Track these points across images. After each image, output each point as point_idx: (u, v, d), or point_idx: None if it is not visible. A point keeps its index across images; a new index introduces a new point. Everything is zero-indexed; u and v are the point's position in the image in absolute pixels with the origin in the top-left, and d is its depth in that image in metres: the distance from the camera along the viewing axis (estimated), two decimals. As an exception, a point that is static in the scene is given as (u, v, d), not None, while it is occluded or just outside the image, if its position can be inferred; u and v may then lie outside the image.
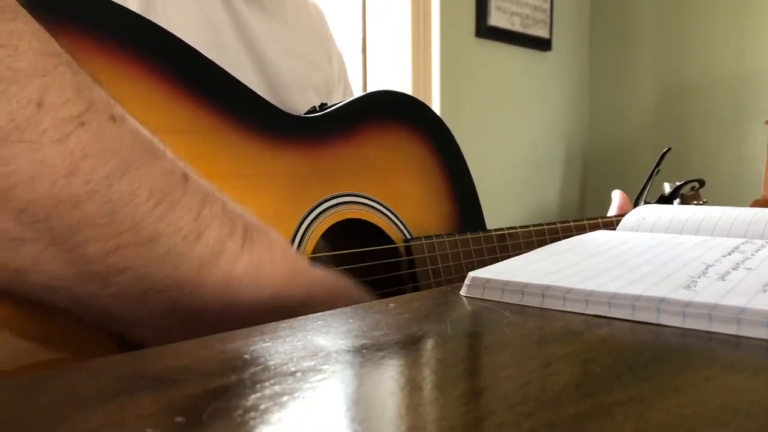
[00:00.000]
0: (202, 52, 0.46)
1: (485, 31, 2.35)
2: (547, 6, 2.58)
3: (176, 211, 0.28)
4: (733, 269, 0.31)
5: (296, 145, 0.52)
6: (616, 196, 0.83)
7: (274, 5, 0.65)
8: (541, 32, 2.57)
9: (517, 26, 2.46)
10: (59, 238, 0.25)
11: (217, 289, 0.30)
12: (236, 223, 0.31)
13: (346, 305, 0.37)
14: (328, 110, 0.56)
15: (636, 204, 0.85)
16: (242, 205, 0.47)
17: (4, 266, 0.26)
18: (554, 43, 2.66)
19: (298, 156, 0.52)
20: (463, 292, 0.31)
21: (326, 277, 0.37)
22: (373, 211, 0.57)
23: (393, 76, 2.22)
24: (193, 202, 0.29)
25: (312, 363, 0.21)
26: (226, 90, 0.47)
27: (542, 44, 2.61)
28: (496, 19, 2.36)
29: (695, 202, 0.95)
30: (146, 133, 0.28)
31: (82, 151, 0.25)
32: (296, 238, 0.50)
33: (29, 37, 0.24)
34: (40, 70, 0.24)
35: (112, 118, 0.26)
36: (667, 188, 0.91)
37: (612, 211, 0.83)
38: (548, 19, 2.60)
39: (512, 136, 2.56)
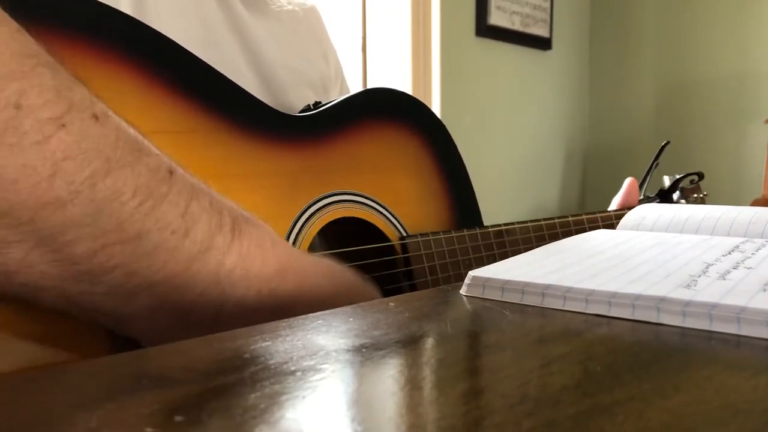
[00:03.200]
0: (197, 52, 0.46)
1: (485, 30, 2.35)
2: (547, 5, 2.58)
3: (163, 207, 0.28)
4: (734, 268, 0.31)
5: (290, 144, 0.52)
6: (626, 184, 0.83)
7: (270, 4, 0.64)
8: (541, 31, 2.57)
9: (517, 25, 2.45)
10: (45, 239, 0.25)
11: (207, 283, 0.30)
12: (224, 217, 0.31)
13: (343, 294, 0.37)
14: (322, 108, 0.56)
15: None
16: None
17: None
18: (554, 43, 2.66)
19: (292, 155, 0.52)
20: (463, 291, 0.31)
21: (321, 266, 0.37)
22: (368, 209, 0.57)
23: (393, 75, 2.22)
24: (180, 197, 0.29)
25: (312, 362, 0.21)
26: (218, 90, 0.47)
27: (542, 43, 2.60)
28: (496, 18, 2.36)
29: (695, 195, 0.95)
30: (130, 130, 0.28)
31: (63, 153, 0.24)
32: (291, 237, 0.50)
33: (5, 39, 0.24)
34: (18, 72, 0.24)
35: (95, 117, 0.26)
36: (667, 182, 0.91)
37: (617, 199, 0.82)
38: (548, 18, 2.60)
39: (512, 135, 2.56)
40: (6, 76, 0.23)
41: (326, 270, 0.37)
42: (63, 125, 0.25)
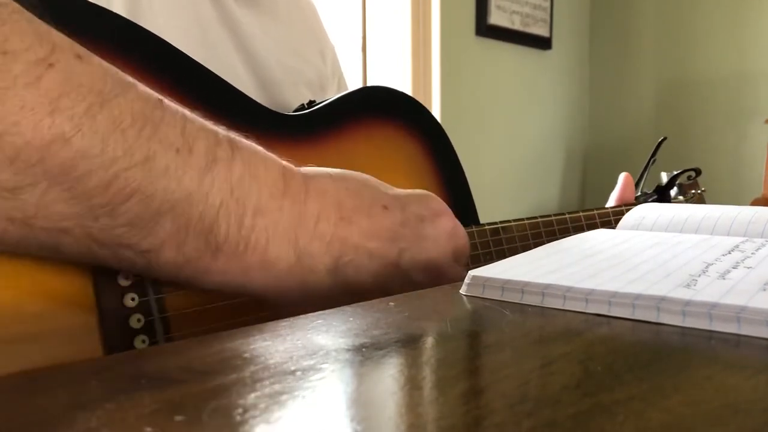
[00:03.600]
0: (191, 51, 0.45)
1: (485, 29, 2.35)
2: (547, 5, 2.58)
3: (162, 128, 0.29)
4: (733, 268, 0.31)
5: (284, 144, 0.51)
6: (621, 179, 0.83)
7: (265, 1, 0.64)
8: (541, 31, 2.57)
9: (517, 25, 2.46)
10: (57, 177, 0.26)
11: (222, 194, 0.31)
12: (219, 134, 0.32)
13: (349, 188, 0.37)
14: (316, 108, 0.55)
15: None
16: None
17: (10, 219, 0.26)
18: (554, 42, 2.66)
19: (286, 155, 0.52)
20: (462, 290, 0.31)
21: (316, 170, 0.38)
22: None
23: (393, 75, 2.22)
24: (175, 119, 0.30)
25: (312, 362, 0.21)
26: (211, 90, 0.47)
27: (542, 43, 2.61)
28: (496, 18, 2.37)
29: (693, 191, 0.94)
30: (112, 66, 0.29)
31: (57, 90, 0.25)
32: None
33: None
34: None
35: (78, 56, 0.27)
36: (665, 178, 0.90)
37: (614, 195, 0.82)
38: (548, 18, 2.60)
39: (512, 134, 2.56)
40: None
41: (325, 170, 0.39)
42: (51, 65, 0.26)
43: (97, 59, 0.28)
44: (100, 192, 0.27)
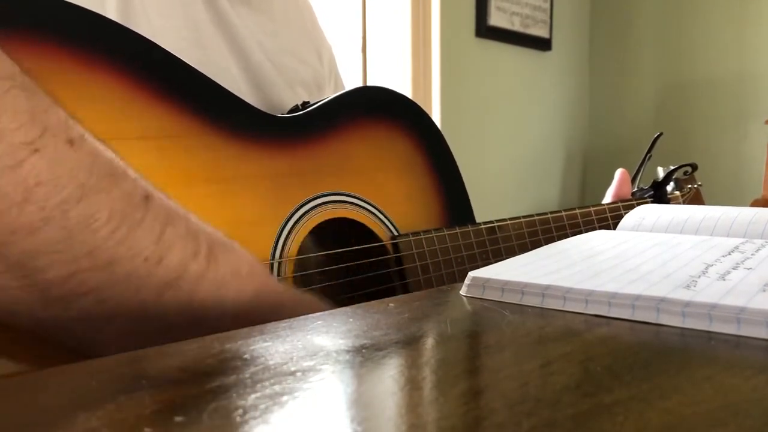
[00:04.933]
0: (185, 53, 0.45)
1: (485, 31, 2.35)
2: (547, 6, 2.58)
3: (137, 233, 0.27)
4: (733, 269, 0.31)
5: (278, 146, 0.51)
6: (617, 175, 0.82)
7: (260, 0, 0.64)
8: (541, 32, 2.57)
9: (517, 26, 2.46)
10: (15, 265, 0.25)
11: (180, 310, 0.29)
12: (200, 243, 0.30)
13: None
14: (311, 108, 0.55)
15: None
16: (224, 209, 0.47)
17: None
18: (554, 43, 2.66)
19: (281, 156, 0.51)
20: (462, 291, 0.31)
21: (296, 295, 0.37)
22: (359, 209, 0.56)
23: (393, 76, 2.22)
24: (155, 223, 0.28)
25: (312, 363, 0.21)
26: (204, 93, 0.47)
27: (542, 44, 2.61)
28: (496, 19, 2.37)
29: (690, 185, 0.94)
30: (107, 153, 0.28)
31: (36, 178, 0.24)
32: (280, 240, 0.50)
33: None
34: None
35: (70, 141, 0.25)
36: (661, 173, 0.90)
37: (610, 191, 0.82)
38: (548, 19, 2.60)
39: (512, 135, 2.56)
40: None
41: (305, 303, 0.37)
42: (36, 150, 0.24)
43: (90, 145, 0.26)
44: (57, 286, 0.26)
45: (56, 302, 0.27)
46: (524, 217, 0.66)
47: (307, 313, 0.35)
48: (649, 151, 0.92)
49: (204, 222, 0.32)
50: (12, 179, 0.23)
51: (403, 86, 2.19)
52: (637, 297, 0.26)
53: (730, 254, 0.34)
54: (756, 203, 2.09)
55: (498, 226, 0.63)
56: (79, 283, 0.26)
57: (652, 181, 0.90)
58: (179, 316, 0.30)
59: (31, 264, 0.25)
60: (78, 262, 0.26)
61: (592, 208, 0.73)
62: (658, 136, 0.93)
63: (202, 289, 0.30)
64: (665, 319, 0.25)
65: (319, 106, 0.56)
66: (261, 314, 0.33)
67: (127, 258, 0.27)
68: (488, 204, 2.21)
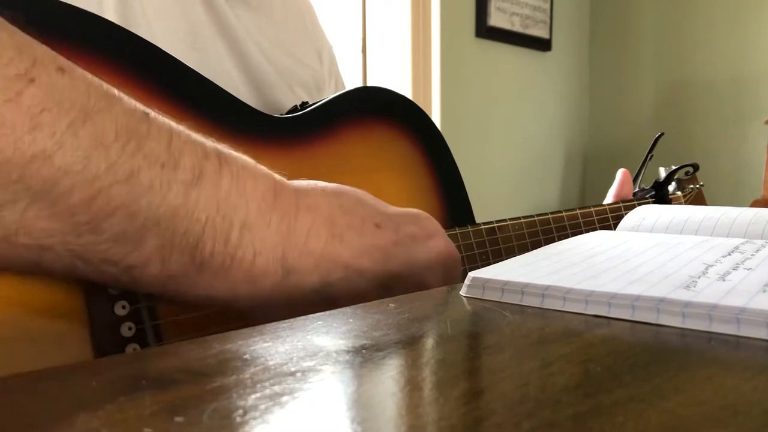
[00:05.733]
0: (184, 55, 0.45)
1: (485, 31, 2.35)
2: (547, 6, 2.58)
3: (147, 143, 0.28)
4: (733, 269, 0.31)
5: (277, 147, 0.51)
6: (619, 175, 0.82)
7: (260, 1, 0.63)
8: (540, 32, 2.57)
9: (517, 26, 2.46)
10: (39, 194, 0.25)
11: (209, 210, 0.30)
12: (207, 147, 0.32)
13: (341, 205, 0.37)
14: (309, 109, 0.55)
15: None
16: None
17: None
18: (554, 43, 2.66)
19: (280, 157, 0.51)
20: (462, 292, 0.31)
21: (309, 184, 0.37)
22: None
23: (393, 76, 2.22)
24: (161, 134, 0.29)
25: (312, 363, 0.21)
26: (203, 94, 0.47)
27: (542, 44, 2.61)
28: (496, 20, 2.37)
29: (691, 186, 0.94)
30: (97, 79, 0.28)
31: (39, 106, 0.25)
32: None
33: None
34: None
35: (60, 69, 0.26)
36: (663, 173, 0.90)
37: (612, 191, 0.82)
38: (548, 20, 2.60)
39: (512, 136, 2.56)
40: None
41: (319, 184, 0.38)
42: (32, 80, 0.25)
43: (80, 72, 0.27)
44: (83, 209, 0.27)
45: (87, 227, 0.27)
46: (524, 217, 0.66)
47: (324, 189, 0.37)
48: (650, 151, 0.92)
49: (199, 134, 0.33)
50: (17, 110, 0.24)
51: (403, 86, 2.19)
52: (637, 297, 0.26)
53: (730, 254, 0.34)
54: (756, 203, 2.09)
55: (498, 226, 0.63)
56: (106, 202, 0.27)
57: (653, 181, 0.90)
58: (210, 216, 0.30)
59: (55, 190, 0.26)
60: (99, 180, 0.27)
61: (593, 209, 0.73)
62: (659, 137, 0.93)
63: (224, 184, 0.31)
64: (665, 320, 0.25)
65: (318, 106, 0.56)
66: (285, 199, 0.34)
67: (145, 167, 0.28)
68: (488, 204, 2.21)
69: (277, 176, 0.35)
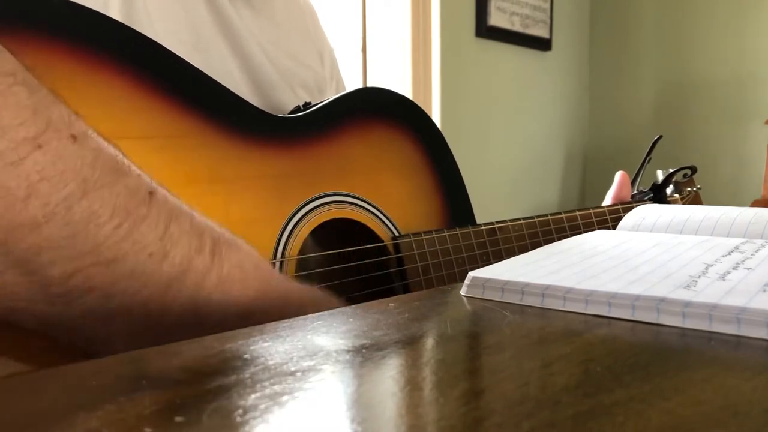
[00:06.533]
0: (187, 55, 0.45)
1: (485, 31, 2.35)
2: (547, 6, 2.58)
3: (141, 229, 0.27)
4: (733, 269, 0.31)
5: (280, 146, 0.51)
6: (617, 178, 0.83)
7: (263, 3, 0.64)
8: (541, 32, 2.57)
9: (517, 26, 2.46)
10: (18, 261, 0.25)
11: (184, 307, 0.29)
12: (205, 239, 0.30)
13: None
14: (312, 110, 0.55)
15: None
16: (226, 208, 0.47)
17: None
18: (554, 43, 2.66)
19: (282, 157, 0.52)
20: (463, 291, 0.31)
21: (302, 290, 0.36)
22: (360, 209, 0.57)
23: (393, 76, 2.22)
24: (159, 218, 0.28)
25: (312, 363, 0.21)
26: (207, 93, 0.47)
27: (542, 44, 2.61)
28: (496, 19, 2.37)
29: (689, 188, 0.95)
30: (110, 149, 0.27)
31: (39, 174, 0.24)
32: (282, 240, 0.50)
33: None
34: None
35: (72, 137, 0.25)
36: (660, 176, 0.91)
37: (610, 193, 0.82)
38: (548, 19, 2.60)
39: (512, 136, 2.56)
40: None
41: (311, 297, 0.37)
42: (39, 146, 0.24)
43: (93, 141, 0.26)
44: (60, 282, 0.26)
45: (60, 299, 0.26)
46: (524, 218, 0.67)
47: (316, 309, 0.35)
48: (648, 153, 0.93)
49: (208, 219, 0.32)
50: (15, 175, 0.23)
51: (403, 86, 2.19)
52: (637, 297, 0.26)
53: (730, 254, 0.34)
54: (756, 204, 2.09)
55: (498, 227, 0.63)
56: (84, 280, 0.26)
57: (651, 183, 0.90)
58: (184, 312, 0.29)
59: (36, 260, 0.25)
60: (82, 258, 0.26)
61: (591, 211, 0.73)
62: (658, 139, 0.94)
63: (207, 285, 0.30)
64: (665, 320, 0.25)
65: (321, 106, 0.56)
66: (266, 312, 0.33)
67: (132, 254, 0.27)
68: (488, 204, 2.21)
69: (276, 273, 0.34)
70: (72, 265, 0.26)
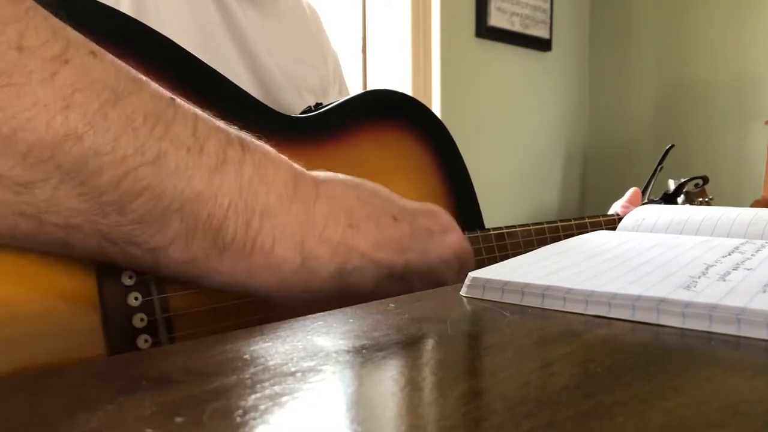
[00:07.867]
0: (194, 53, 0.46)
1: (485, 31, 2.35)
2: (547, 6, 2.58)
3: (174, 128, 0.29)
4: (734, 269, 0.31)
5: (290, 146, 0.51)
6: (629, 193, 0.83)
7: (270, 5, 0.64)
8: (541, 32, 2.57)
9: (517, 26, 2.46)
10: (69, 174, 0.26)
11: (231, 195, 0.31)
12: (230, 134, 0.32)
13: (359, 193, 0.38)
14: (323, 110, 0.56)
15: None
16: None
17: (22, 214, 0.27)
18: (554, 44, 2.66)
19: (293, 156, 0.52)
20: (463, 292, 0.31)
21: (329, 175, 0.38)
22: None
23: (393, 76, 2.22)
24: (186, 119, 0.30)
25: (312, 363, 0.21)
26: (218, 90, 0.47)
27: (542, 44, 2.61)
28: (496, 20, 2.37)
29: (700, 199, 0.94)
30: (125, 65, 0.29)
31: (72, 87, 0.26)
32: None
33: None
34: (12, 16, 0.25)
35: (92, 53, 0.27)
36: (672, 185, 0.90)
37: (618, 206, 0.82)
38: (548, 20, 2.60)
39: (512, 136, 2.56)
40: (3, 20, 0.24)
41: (338, 175, 0.38)
42: (66, 61, 0.26)
43: (110, 57, 0.28)
44: (111, 189, 0.27)
45: (113, 207, 0.28)
46: (533, 224, 0.67)
47: (345, 179, 0.37)
48: (660, 162, 0.92)
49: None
50: (50, 90, 0.25)
51: (403, 86, 2.19)
52: (638, 298, 0.26)
53: (730, 255, 0.34)
54: (756, 204, 2.09)
55: (507, 233, 0.64)
56: (132, 183, 0.28)
57: (662, 192, 0.90)
58: (232, 200, 0.31)
59: (84, 171, 0.26)
60: (127, 161, 0.27)
61: (601, 218, 0.74)
62: (670, 148, 0.93)
63: (246, 171, 0.32)
64: (665, 320, 0.25)
65: (332, 107, 0.56)
66: (304, 188, 0.35)
67: (172, 151, 0.29)
68: (488, 205, 2.21)
69: (297, 166, 0.36)
70: (119, 169, 0.27)
